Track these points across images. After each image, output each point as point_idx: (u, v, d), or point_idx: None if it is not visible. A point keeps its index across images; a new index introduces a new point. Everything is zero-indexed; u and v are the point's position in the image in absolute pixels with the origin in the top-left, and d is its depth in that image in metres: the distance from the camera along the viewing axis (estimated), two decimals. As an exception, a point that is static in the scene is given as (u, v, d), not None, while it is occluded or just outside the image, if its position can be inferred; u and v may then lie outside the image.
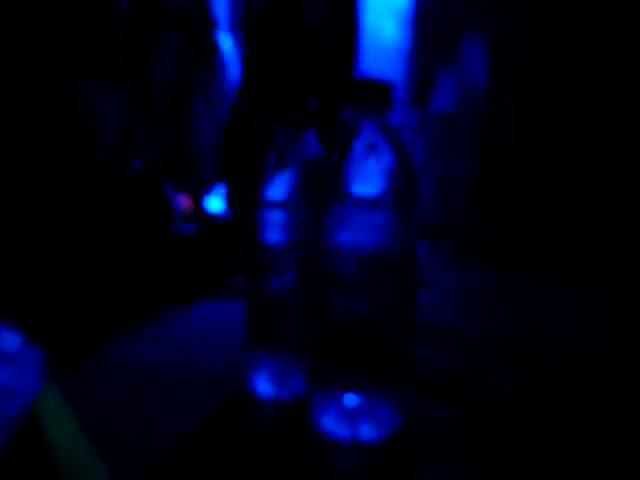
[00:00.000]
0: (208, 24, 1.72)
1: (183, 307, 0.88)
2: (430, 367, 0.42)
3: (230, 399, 0.51)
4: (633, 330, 0.74)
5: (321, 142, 0.49)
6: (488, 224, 1.66)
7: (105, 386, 0.54)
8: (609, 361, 0.61)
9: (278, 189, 0.47)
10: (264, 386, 0.49)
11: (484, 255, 1.52)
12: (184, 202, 1.47)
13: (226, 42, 2.11)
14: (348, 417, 0.39)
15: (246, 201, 1.41)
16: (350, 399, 0.39)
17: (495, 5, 1.81)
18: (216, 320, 0.82)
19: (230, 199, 1.56)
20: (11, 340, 0.48)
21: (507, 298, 0.97)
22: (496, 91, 1.77)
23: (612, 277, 1.14)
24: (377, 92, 0.38)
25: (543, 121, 1.58)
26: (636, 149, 1.40)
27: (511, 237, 1.55)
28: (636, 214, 1.35)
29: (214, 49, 1.99)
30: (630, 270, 1.18)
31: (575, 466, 0.38)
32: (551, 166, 1.55)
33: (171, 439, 0.42)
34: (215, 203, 1.66)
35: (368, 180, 0.38)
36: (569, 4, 1.51)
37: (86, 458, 0.39)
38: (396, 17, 2.36)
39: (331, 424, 0.40)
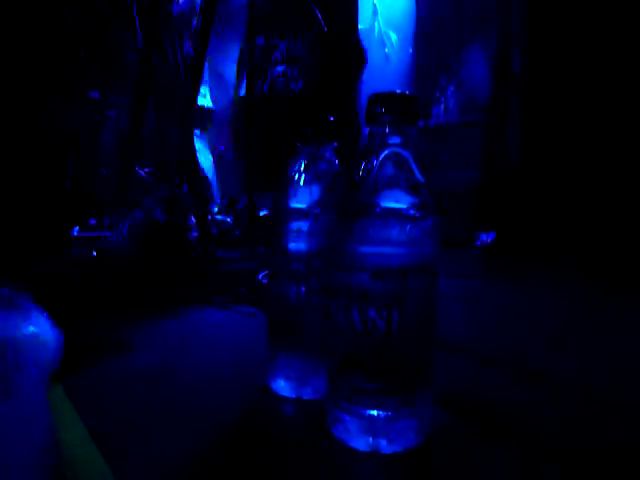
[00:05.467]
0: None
1: (188, 313, 0.89)
2: (436, 377, 0.42)
3: (249, 399, 0.51)
4: (631, 335, 0.74)
5: (340, 155, 0.50)
6: (490, 232, 1.67)
7: (110, 389, 0.54)
8: (610, 368, 0.61)
9: (301, 199, 0.49)
10: (286, 387, 0.50)
11: (486, 262, 1.53)
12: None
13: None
14: (368, 430, 0.38)
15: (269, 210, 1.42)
16: (371, 413, 0.38)
17: (498, 17, 1.83)
18: (223, 325, 0.83)
19: (250, 209, 1.57)
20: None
21: (510, 305, 0.97)
22: (498, 101, 1.78)
23: (613, 281, 1.14)
24: (404, 106, 0.39)
25: (545, 130, 1.59)
26: (637, 154, 1.42)
27: (513, 244, 1.56)
28: (637, 218, 1.37)
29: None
30: (631, 273, 1.19)
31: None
32: (553, 174, 1.56)
33: (177, 441, 0.42)
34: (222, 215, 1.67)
35: (392, 193, 0.38)
36: (572, 15, 1.53)
37: (92, 460, 0.39)
38: (399, 30, 2.39)
39: (351, 436, 0.39)
